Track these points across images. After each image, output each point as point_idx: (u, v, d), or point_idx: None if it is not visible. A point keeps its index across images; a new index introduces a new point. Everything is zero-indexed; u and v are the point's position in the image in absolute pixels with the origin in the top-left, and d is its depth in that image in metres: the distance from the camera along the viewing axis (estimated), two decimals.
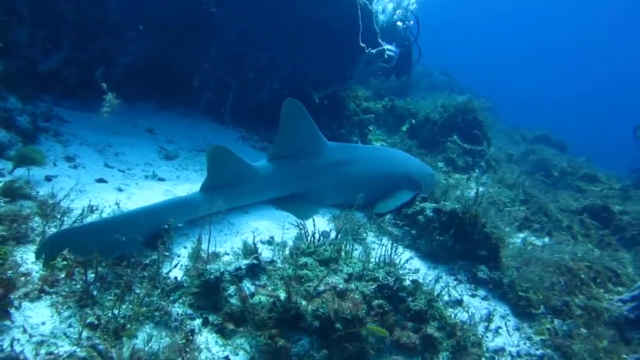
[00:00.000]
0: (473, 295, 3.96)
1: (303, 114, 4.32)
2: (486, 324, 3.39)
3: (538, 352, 3.62)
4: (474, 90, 11.48)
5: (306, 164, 4.37)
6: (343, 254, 3.18)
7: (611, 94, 48.32)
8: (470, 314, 3.37)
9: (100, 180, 3.87)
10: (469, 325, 3.15)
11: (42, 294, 2.66)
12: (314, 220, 3.52)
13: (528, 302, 3.98)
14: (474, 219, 4.11)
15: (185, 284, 3.07)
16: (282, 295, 2.77)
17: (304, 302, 2.69)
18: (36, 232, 3.08)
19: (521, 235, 5.60)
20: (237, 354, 2.68)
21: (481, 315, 3.65)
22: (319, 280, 2.83)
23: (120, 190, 3.83)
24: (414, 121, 7.47)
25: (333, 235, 3.93)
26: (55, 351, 2.31)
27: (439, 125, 7.40)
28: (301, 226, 3.55)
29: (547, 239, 5.77)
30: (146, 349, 2.46)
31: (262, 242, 3.65)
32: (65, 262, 2.87)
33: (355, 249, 3.72)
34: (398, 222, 4.49)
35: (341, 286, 2.85)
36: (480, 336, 3.21)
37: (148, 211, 3.26)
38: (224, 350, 2.69)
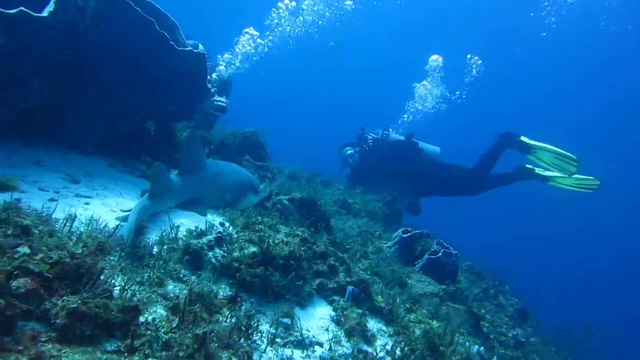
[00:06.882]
0: None
1: (198, 142, 5.58)
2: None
3: (368, 277, 5.47)
4: None
5: (199, 177, 5.45)
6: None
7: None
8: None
9: (52, 200, 4.18)
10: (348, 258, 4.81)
11: None
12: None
13: (352, 251, 5.84)
14: (315, 202, 5.78)
15: (171, 258, 3.89)
16: (255, 249, 3.95)
17: (273, 251, 3.94)
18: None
19: None
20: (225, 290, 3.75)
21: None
22: (274, 237, 4.09)
23: (71, 205, 4.23)
24: (212, 147, 8.71)
25: (227, 224, 5.14)
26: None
27: (234, 148, 8.85)
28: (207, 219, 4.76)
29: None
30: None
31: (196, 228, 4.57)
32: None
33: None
34: (262, 212, 5.81)
35: (285, 239, 4.16)
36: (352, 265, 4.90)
37: (139, 215, 4.03)
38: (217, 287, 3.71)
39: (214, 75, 8.72)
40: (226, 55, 9.91)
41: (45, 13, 4.32)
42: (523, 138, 10.96)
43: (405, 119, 15.12)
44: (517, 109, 39.94)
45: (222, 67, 9.03)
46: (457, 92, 16.26)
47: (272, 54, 10.55)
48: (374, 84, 47.80)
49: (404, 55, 35.79)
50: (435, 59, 15.39)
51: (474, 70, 16.41)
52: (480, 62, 16.41)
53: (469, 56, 16.48)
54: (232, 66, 9.46)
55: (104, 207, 4.51)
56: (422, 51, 16.87)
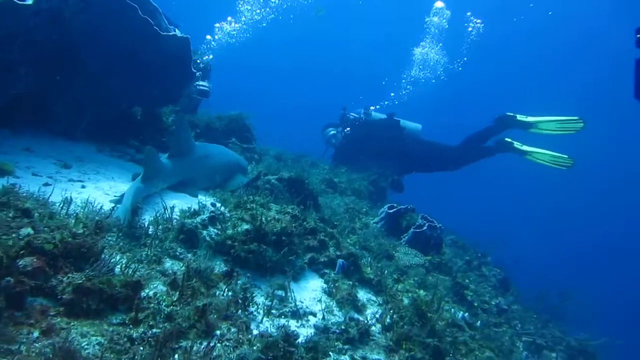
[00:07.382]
0: None
1: (186, 126, 5.62)
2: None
3: (356, 251, 5.61)
4: None
5: (188, 159, 5.48)
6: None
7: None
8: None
9: (46, 184, 4.21)
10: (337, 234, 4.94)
11: None
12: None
13: (340, 227, 5.96)
14: (302, 181, 5.88)
15: (166, 237, 3.97)
16: (248, 226, 4.04)
17: (266, 227, 4.03)
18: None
19: None
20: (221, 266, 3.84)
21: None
22: (266, 214, 4.19)
23: (66, 189, 4.26)
24: (198, 130, 8.72)
25: (219, 204, 5.21)
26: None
27: (220, 131, 8.88)
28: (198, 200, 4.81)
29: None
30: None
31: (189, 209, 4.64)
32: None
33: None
34: (253, 191, 5.90)
35: (277, 216, 4.26)
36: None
37: (134, 197, 4.12)
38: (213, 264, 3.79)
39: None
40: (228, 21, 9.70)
41: (29, 0, 4.29)
42: (519, 117, 11.06)
43: (404, 91, 14.31)
44: (518, 78, 39.08)
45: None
46: (456, 63, 15.42)
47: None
48: (361, 59, 46.52)
49: (398, 26, 34.56)
50: (439, 8, 14.66)
51: (473, 32, 15.63)
52: (482, 25, 15.75)
53: (469, 14, 15.83)
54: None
55: (97, 191, 4.56)
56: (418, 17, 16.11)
